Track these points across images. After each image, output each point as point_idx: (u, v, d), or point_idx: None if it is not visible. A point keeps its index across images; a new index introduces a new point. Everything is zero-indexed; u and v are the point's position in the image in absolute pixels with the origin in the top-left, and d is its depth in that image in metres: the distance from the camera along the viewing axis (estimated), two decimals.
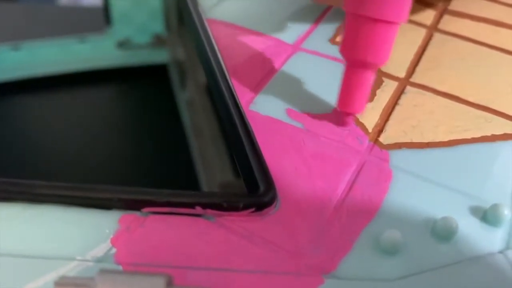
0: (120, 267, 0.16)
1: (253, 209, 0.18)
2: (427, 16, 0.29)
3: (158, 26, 0.50)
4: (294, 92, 0.23)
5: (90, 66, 0.50)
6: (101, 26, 0.50)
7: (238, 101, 0.22)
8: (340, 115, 0.22)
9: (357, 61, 0.20)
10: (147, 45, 0.51)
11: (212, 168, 0.43)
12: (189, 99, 0.48)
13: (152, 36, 0.51)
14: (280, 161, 0.20)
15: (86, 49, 0.49)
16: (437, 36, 0.27)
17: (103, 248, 0.17)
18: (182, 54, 0.49)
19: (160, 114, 0.49)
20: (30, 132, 0.46)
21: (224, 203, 0.18)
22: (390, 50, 0.20)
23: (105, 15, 0.49)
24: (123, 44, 0.50)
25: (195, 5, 0.28)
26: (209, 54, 0.24)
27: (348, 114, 0.22)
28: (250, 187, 0.19)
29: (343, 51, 0.20)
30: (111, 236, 0.17)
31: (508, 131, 0.22)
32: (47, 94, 0.49)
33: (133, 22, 0.49)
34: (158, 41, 0.51)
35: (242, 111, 0.21)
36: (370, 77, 0.21)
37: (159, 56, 0.52)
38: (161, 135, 0.47)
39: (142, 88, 0.51)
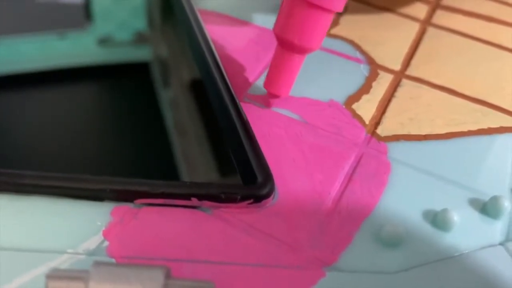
0: (113, 261, 0.16)
1: (251, 201, 0.17)
2: (420, 10, 0.29)
3: (140, 23, 0.49)
4: None
5: (70, 63, 0.48)
6: (81, 22, 0.49)
7: (233, 92, 0.21)
8: (267, 94, 0.22)
9: (286, 42, 0.20)
10: (129, 42, 0.50)
11: (196, 167, 0.42)
12: (172, 98, 0.47)
13: (134, 33, 0.50)
14: (277, 153, 0.19)
15: (66, 45, 0.48)
16: (430, 30, 0.27)
17: (95, 240, 0.16)
18: (165, 52, 0.48)
19: (142, 113, 0.48)
20: (7, 129, 0.45)
21: (221, 195, 0.17)
22: (321, 38, 0.20)
23: (85, 11, 0.48)
24: (104, 41, 0.49)
25: None
26: (202, 44, 0.23)
27: (274, 95, 0.21)
28: (247, 178, 0.18)
29: (275, 29, 0.20)
30: (103, 229, 0.16)
31: (504, 125, 0.22)
32: (25, 91, 0.48)
33: (115, 19, 0.48)
34: (140, 38, 0.50)
35: (237, 102, 0.21)
36: (297, 61, 0.20)
37: (141, 54, 0.51)
38: (143, 134, 0.46)
39: (123, 86, 0.50)
